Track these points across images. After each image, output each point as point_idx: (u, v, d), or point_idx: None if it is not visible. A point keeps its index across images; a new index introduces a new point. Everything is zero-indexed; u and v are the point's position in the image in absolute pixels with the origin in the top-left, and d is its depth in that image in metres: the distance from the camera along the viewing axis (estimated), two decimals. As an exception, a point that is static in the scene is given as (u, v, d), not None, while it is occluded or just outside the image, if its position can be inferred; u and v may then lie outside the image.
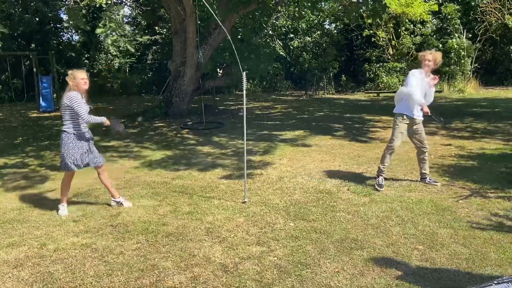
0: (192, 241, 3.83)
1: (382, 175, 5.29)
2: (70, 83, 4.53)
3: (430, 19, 19.08)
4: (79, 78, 4.52)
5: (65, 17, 19.25)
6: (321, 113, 12.78)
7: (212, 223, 4.24)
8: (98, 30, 6.81)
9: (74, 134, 4.52)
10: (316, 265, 3.35)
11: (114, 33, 6.74)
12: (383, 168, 5.29)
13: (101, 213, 4.59)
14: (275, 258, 3.47)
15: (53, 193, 5.42)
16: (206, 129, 10.12)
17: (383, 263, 3.35)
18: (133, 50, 8.00)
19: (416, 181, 5.45)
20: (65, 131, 4.53)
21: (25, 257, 3.59)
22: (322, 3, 15.91)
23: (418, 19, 18.36)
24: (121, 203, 4.81)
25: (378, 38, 19.71)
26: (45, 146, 8.54)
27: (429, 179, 5.38)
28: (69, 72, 4.62)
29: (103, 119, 4.75)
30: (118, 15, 6.80)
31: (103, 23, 6.79)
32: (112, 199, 4.85)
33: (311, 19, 19.81)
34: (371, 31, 19.48)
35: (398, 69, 19.14)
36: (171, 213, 4.54)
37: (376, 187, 5.18)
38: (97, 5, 7.17)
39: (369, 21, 18.39)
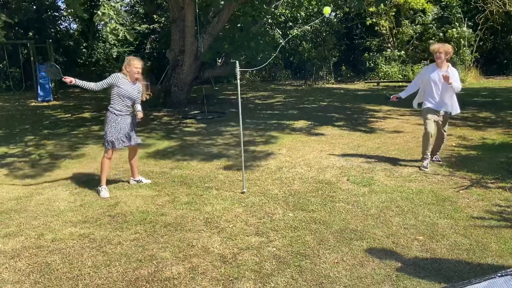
0: (191, 232, 3.80)
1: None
2: (124, 68, 4.81)
3: (432, 7, 18.90)
4: (134, 70, 4.78)
5: (63, 5, 19.09)
6: (320, 103, 12.71)
7: (210, 213, 4.21)
8: (97, 18, 6.71)
9: (115, 114, 4.80)
10: (315, 255, 3.33)
11: (113, 21, 6.63)
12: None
13: (99, 203, 4.56)
14: (274, 249, 3.45)
15: (51, 182, 5.39)
16: (207, 119, 10.06)
17: (383, 253, 3.33)
18: (131, 39, 7.91)
19: (417, 170, 5.43)
20: (108, 109, 4.81)
21: (22, 248, 3.56)
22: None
23: (420, 7, 18.19)
24: (141, 181, 5.24)
25: (381, 27, 19.53)
26: (44, 135, 8.49)
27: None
28: (127, 58, 4.92)
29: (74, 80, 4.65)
30: (117, 2, 6.69)
31: (101, 10, 6.67)
32: (132, 178, 5.26)
33: (310, 7, 19.61)
34: (373, 20, 19.30)
35: (397, 57, 19.00)
36: (170, 203, 4.51)
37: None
38: None
39: (372, 9, 18.21)
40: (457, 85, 5.33)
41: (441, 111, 5.48)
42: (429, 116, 5.48)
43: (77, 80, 4.62)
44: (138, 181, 5.23)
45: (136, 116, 4.92)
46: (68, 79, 4.59)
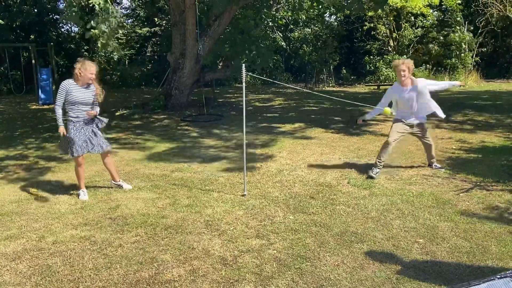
0: (191, 234, 3.81)
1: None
2: (77, 71, 4.68)
3: (431, 12, 18.94)
4: (89, 71, 4.68)
5: (62, 12, 19.13)
6: (321, 106, 12.72)
7: (211, 216, 4.22)
8: (90, 33, 6.69)
9: (73, 122, 4.74)
10: (316, 258, 3.33)
11: (105, 35, 6.61)
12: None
13: (100, 206, 4.57)
14: (275, 251, 3.45)
15: (52, 185, 5.40)
16: (206, 121, 10.08)
17: (383, 256, 3.33)
18: (118, 54, 8.06)
19: (417, 173, 5.44)
20: (67, 118, 4.76)
21: (24, 250, 3.57)
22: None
23: (418, 12, 18.23)
24: (121, 186, 5.14)
25: (379, 31, 19.58)
26: (45, 138, 8.51)
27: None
28: (80, 60, 4.78)
29: (60, 125, 4.73)
30: (112, 18, 6.64)
31: (96, 21, 6.65)
32: (113, 181, 5.16)
33: (311, 10, 19.66)
34: (372, 24, 19.34)
35: (398, 61, 19.03)
36: (170, 206, 4.52)
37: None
38: (91, 5, 6.92)
39: (370, 13, 18.26)
40: (437, 87, 5.30)
41: (413, 123, 5.39)
42: (398, 128, 5.41)
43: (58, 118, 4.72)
44: (118, 186, 5.13)
45: (94, 116, 4.87)
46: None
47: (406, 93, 5.26)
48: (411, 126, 5.42)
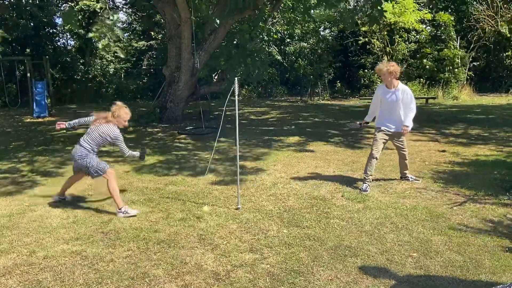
0: (184, 248, 3.78)
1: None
2: (113, 115, 4.81)
3: (425, 27, 19.20)
4: (124, 118, 4.86)
5: (60, 20, 19.25)
6: (315, 119, 12.77)
7: (204, 230, 4.19)
8: (91, 34, 6.87)
9: (95, 153, 4.90)
10: (309, 272, 3.31)
11: (106, 38, 6.76)
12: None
13: (92, 220, 4.53)
14: (268, 266, 3.43)
15: (43, 199, 5.35)
16: (201, 134, 10.07)
17: (377, 270, 3.32)
18: (123, 56, 8.16)
19: (411, 186, 5.44)
20: (86, 148, 4.81)
21: (14, 265, 3.53)
22: (316, 9, 15.94)
23: (411, 27, 18.47)
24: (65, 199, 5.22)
25: (373, 46, 19.80)
26: (38, 151, 8.46)
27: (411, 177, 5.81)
28: (119, 104, 4.90)
29: (136, 154, 5.14)
30: (111, 20, 6.82)
31: (96, 27, 6.82)
32: (59, 195, 5.21)
33: (306, 25, 19.86)
34: (366, 39, 19.57)
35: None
36: (163, 220, 4.49)
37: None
38: (92, 9, 7.28)
39: (364, 28, 18.50)
40: (411, 114, 5.26)
41: (393, 131, 5.42)
42: (379, 138, 5.43)
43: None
44: (64, 199, 5.24)
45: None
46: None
47: (392, 93, 5.33)
48: (390, 133, 5.44)
